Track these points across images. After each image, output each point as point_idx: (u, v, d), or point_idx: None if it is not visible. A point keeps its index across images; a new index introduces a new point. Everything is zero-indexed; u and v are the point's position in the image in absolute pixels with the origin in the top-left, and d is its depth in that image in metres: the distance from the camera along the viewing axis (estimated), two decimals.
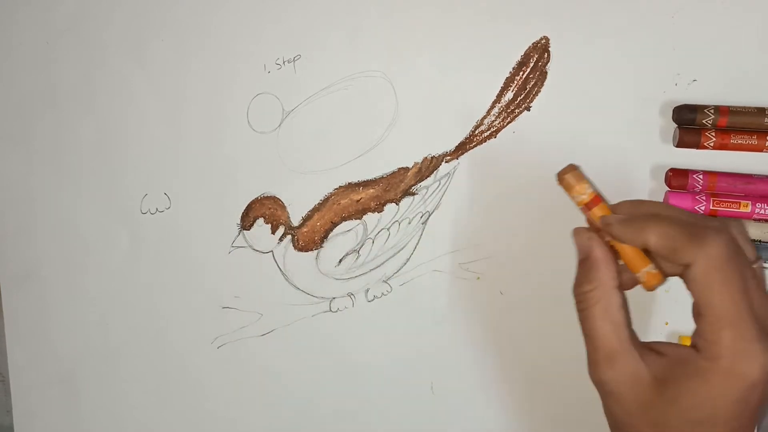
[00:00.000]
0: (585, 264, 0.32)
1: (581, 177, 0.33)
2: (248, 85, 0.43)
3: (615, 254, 0.32)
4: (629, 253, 0.32)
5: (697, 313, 0.29)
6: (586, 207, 0.33)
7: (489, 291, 0.43)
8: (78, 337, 0.46)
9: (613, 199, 0.42)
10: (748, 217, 0.39)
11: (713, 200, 0.39)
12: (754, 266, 0.31)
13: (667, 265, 0.32)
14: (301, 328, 0.44)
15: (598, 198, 0.33)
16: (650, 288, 0.32)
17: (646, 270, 0.32)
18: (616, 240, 0.32)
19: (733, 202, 0.39)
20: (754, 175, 0.40)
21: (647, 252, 0.32)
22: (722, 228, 0.30)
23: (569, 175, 0.33)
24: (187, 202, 0.44)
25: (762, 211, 0.39)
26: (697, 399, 0.29)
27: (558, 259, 0.42)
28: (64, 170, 0.45)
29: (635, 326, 0.32)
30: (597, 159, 0.41)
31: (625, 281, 0.33)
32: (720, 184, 0.40)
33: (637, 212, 0.32)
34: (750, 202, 0.39)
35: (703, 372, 0.29)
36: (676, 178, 0.40)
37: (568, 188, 0.33)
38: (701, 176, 0.40)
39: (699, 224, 0.30)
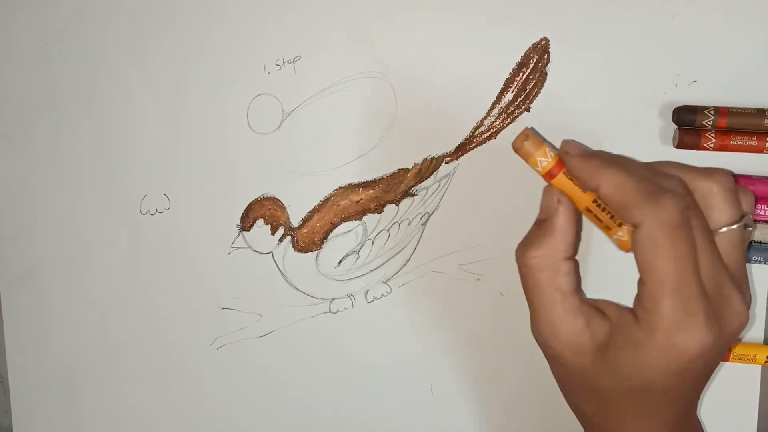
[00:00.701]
0: (542, 226, 0.30)
1: (540, 142, 0.30)
2: (248, 85, 0.43)
3: (579, 222, 0.30)
4: (603, 218, 0.30)
5: (640, 278, 0.28)
6: (550, 174, 0.30)
7: (489, 292, 0.43)
8: (77, 338, 0.46)
9: None
10: None
11: None
12: (735, 227, 0.29)
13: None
14: (301, 329, 0.44)
15: (561, 162, 0.30)
16: (625, 251, 0.30)
17: (618, 236, 0.30)
18: (571, 173, 0.30)
19: None
20: (755, 176, 0.40)
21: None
22: (681, 190, 0.28)
23: (528, 143, 0.30)
24: (187, 203, 0.44)
25: (762, 213, 0.39)
26: (634, 368, 0.28)
27: None
28: (63, 171, 0.45)
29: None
30: None
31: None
32: None
33: (601, 154, 0.30)
34: None
35: (640, 343, 0.28)
36: None
37: (527, 157, 0.30)
38: None
39: (656, 182, 0.28)
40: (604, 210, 0.29)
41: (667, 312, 0.27)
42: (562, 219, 0.29)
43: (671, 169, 0.30)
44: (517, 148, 0.30)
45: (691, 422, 0.32)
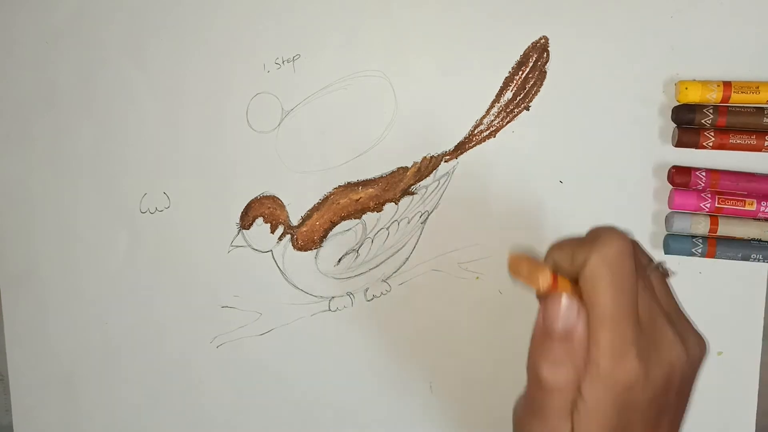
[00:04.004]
0: (567, 340, 0.29)
1: (533, 262, 0.28)
2: (248, 84, 0.43)
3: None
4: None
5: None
6: (552, 288, 0.28)
7: (488, 291, 0.43)
8: (77, 337, 0.46)
9: (610, 200, 0.42)
10: (753, 215, 0.39)
11: (718, 198, 0.39)
12: (652, 269, 0.30)
13: None
14: (301, 328, 0.44)
15: (555, 275, 0.28)
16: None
17: None
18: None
19: (738, 200, 0.39)
20: (756, 173, 0.40)
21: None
22: (619, 232, 0.29)
23: (524, 267, 0.28)
24: (187, 202, 0.44)
25: (766, 209, 0.39)
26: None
27: None
28: (63, 170, 0.45)
29: None
30: (596, 159, 0.41)
31: None
32: (723, 181, 0.39)
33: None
34: (755, 200, 0.39)
35: (591, 377, 0.28)
36: (679, 175, 0.40)
37: (526, 279, 0.27)
38: (703, 173, 0.39)
39: (596, 231, 0.29)
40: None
41: (605, 343, 0.27)
42: (582, 330, 0.28)
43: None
44: (521, 272, 0.28)
45: None
